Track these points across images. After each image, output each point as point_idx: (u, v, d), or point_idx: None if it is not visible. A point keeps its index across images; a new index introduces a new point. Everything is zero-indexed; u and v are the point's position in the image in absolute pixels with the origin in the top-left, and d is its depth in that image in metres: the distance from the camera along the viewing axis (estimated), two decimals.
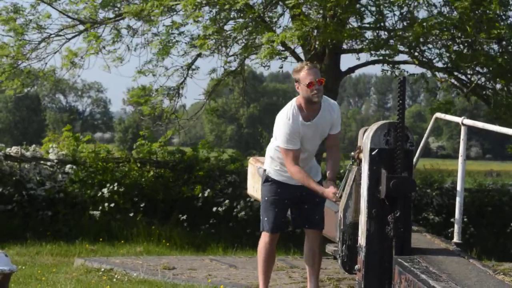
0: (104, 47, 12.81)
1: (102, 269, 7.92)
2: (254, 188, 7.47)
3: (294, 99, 5.83)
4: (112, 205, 11.88)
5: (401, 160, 4.85)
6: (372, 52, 11.95)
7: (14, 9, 12.89)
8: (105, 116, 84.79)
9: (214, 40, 11.80)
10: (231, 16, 11.83)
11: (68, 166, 12.18)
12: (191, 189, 12.24)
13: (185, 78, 13.35)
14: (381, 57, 12.02)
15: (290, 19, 12.09)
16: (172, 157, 12.62)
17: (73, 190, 12.05)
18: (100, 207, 11.87)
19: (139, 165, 12.42)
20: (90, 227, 11.62)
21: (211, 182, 12.44)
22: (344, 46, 12.58)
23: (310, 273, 5.97)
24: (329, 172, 5.85)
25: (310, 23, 10.87)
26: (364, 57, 12.75)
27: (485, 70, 12.42)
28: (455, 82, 13.04)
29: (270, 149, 5.97)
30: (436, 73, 12.70)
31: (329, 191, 5.57)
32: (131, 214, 11.86)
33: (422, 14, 12.66)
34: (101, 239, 11.22)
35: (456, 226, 5.33)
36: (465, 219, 13.24)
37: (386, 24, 12.11)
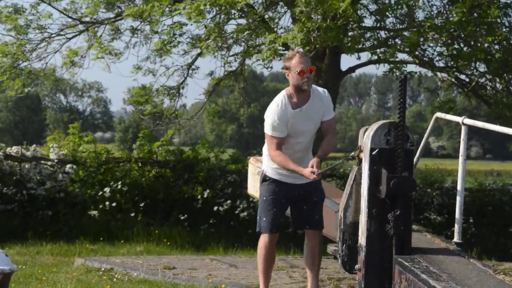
0: (110, 53, 12.82)
1: (103, 269, 7.92)
2: (255, 188, 7.47)
3: (284, 89, 5.82)
4: (114, 204, 11.88)
5: (401, 160, 4.85)
6: (372, 52, 11.97)
7: (14, 9, 12.90)
8: (105, 116, 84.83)
9: (215, 42, 11.81)
10: (232, 15, 11.84)
11: (69, 165, 12.18)
12: (192, 189, 12.23)
13: (185, 78, 13.36)
14: (380, 55, 12.01)
15: (290, 20, 12.10)
16: (172, 157, 12.62)
17: (73, 189, 12.05)
18: (101, 206, 11.87)
19: (139, 164, 12.42)
20: (90, 227, 11.62)
21: (211, 182, 12.43)
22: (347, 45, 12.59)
23: (310, 273, 5.96)
24: (319, 150, 5.75)
25: (311, 24, 10.88)
26: (365, 57, 12.74)
27: (485, 69, 12.42)
28: (456, 82, 13.04)
29: (266, 147, 5.95)
30: (437, 73, 12.71)
31: (307, 170, 5.52)
32: (132, 214, 11.86)
33: (421, 15, 12.68)
34: (101, 239, 11.22)
35: (456, 226, 5.32)
36: (471, 220, 13.25)
37: (387, 24, 12.12)
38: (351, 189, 5.26)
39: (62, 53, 13.27)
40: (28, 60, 13.28)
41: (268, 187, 5.86)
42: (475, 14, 11.33)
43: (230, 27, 12.07)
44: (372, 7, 12.33)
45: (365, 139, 5.01)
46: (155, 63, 12.81)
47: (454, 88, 13.67)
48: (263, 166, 5.95)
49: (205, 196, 12.23)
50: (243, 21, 12.00)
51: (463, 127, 5.38)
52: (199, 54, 12.77)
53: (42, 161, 12.22)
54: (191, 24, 11.85)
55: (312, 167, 5.51)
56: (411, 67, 12.90)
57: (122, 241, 11.25)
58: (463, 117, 5.44)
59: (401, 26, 12.17)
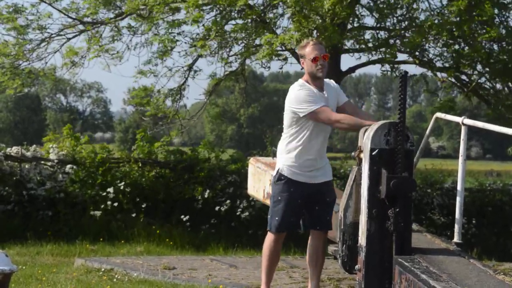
0: (107, 51, 12.83)
1: (103, 269, 7.92)
2: (255, 188, 7.47)
3: (300, 79, 5.84)
4: (116, 204, 11.88)
5: (401, 160, 4.85)
6: (373, 52, 11.97)
7: (15, 9, 12.90)
8: (105, 116, 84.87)
9: (214, 42, 11.81)
10: (232, 16, 11.84)
11: (69, 166, 12.18)
12: (192, 189, 12.23)
13: (186, 79, 13.36)
14: (380, 56, 12.02)
15: (289, 20, 12.10)
16: (172, 157, 12.62)
17: (73, 190, 12.05)
18: (103, 206, 11.87)
19: (139, 165, 12.42)
20: (90, 227, 11.62)
21: (211, 182, 12.43)
22: (347, 45, 12.60)
23: (312, 273, 5.95)
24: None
25: (308, 24, 10.88)
26: (365, 57, 12.74)
27: (485, 69, 12.43)
28: (456, 82, 13.05)
29: (281, 141, 5.89)
30: (437, 73, 12.71)
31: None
32: (133, 215, 11.86)
33: (422, 15, 12.72)
34: (101, 239, 11.22)
35: (456, 226, 5.32)
36: (472, 221, 13.24)
37: (387, 23, 12.12)
38: (351, 189, 5.26)
39: (62, 53, 13.29)
40: (28, 60, 13.28)
41: (283, 187, 5.79)
42: (473, 13, 11.33)
43: (230, 27, 12.07)
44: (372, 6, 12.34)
45: (365, 139, 5.01)
46: (157, 65, 12.82)
47: (455, 88, 13.68)
48: (279, 164, 5.87)
49: (205, 196, 12.23)
50: (242, 21, 12.00)
51: (463, 127, 5.37)
52: (200, 55, 12.78)
53: (42, 162, 12.22)
54: (190, 24, 11.83)
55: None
56: (411, 68, 12.92)
57: (122, 242, 11.25)
58: (463, 117, 5.44)
59: (401, 26, 12.17)
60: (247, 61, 13.23)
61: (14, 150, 12.21)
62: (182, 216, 12.03)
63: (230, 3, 11.16)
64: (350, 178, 5.33)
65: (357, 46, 12.42)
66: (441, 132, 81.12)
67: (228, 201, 12.24)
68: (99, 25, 13.00)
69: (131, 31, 12.85)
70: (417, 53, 12.37)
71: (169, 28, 12.00)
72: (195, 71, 13.26)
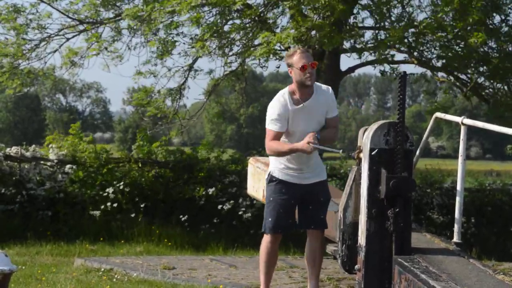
0: (106, 48, 12.83)
1: (102, 269, 7.92)
2: (254, 188, 7.47)
3: (287, 87, 5.83)
4: (115, 204, 11.88)
5: (401, 160, 4.85)
6: (370, 51, 11.98)
7: (14, 9, 12.90)
8: (105, 116, 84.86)
9: (213, 43, 11.82)
10: (230, 16, 11.84)
11: (68, 166, 12.18)
12: (192, 189, 12.23)
13: (186, 79, 13.36)
14: (373, 54, 12.02)
15: (289, 19, 12.11)
16: (172, 157, 12.62)
17: (73, 190, 12.05)
18: (103, 207, 11.87)
19: (139, 165, 12.42)
20: (90, 227, 11.62)
21: (211, 182, 12.43)
22: (346, 45, 12.61)
23: (310, 273, 5.96)
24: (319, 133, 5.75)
25: (305, 23, 10.89)
26: (363, 57, 12.74)
27: (482, 68, 12.45)
28: (455, 81, 13.06)
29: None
30: (436, 73, 12.73)
31: (303, 142, 5.54)
32: (132, 215, 11.86)
33: (420, 16, 12.84)
34: (101, 239, 11.22)
35: (456, 226, 5.33)
36: (472, 220, 13.25)
37: (386, 24, 12.13)
38: (350, 189, 5.26)
39: (62, 53, 13.29)
40: (28, 60, 13.28)
41: (275, 188, 5.82)
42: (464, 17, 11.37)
43: (229, 27, 12.07)
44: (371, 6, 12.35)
45: (365, 139, 5.01)
46: (156, 65, 12.82)
47: (454, 87, 13.69)
48: (270, 167, 5.91)
49: (205, 196, 12.23)
50: (240, 21, 12.01)
51: (462, 127, 5.37)
52: (200, 56, 12.77)
53: (42, 162, 12.22)
54: (188, 26, 11.85)
55: (310, 138, 5.51)
56: (410, 67, 12.94)
57: (121, 241, 11.25)
58: (462, 117, 5.44)
59: (399, 26, 12.17)
60: (247, 61, 13.24)
61: (13, 150, 12.21)
62: (181, 216, 12.03)
63: (226, 4, 11.16)
64: (350, 178, 5.33)
65: (356, 46, 12.43)
66: (441, 132, 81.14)
67: (228, 201, 12.24)
68: (98, 25, 13.00)
69: (131, 33, 12.85)
70: (415, 53, 12.38)
71: (167, 29, 12.00)
72: (195, 71, 13.26)
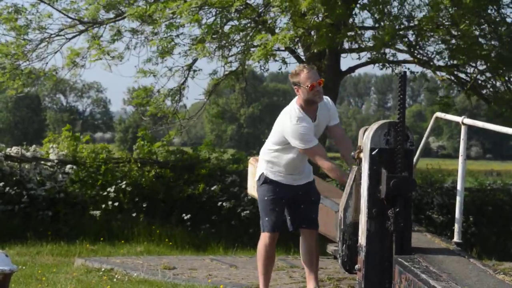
0: (108, 53, 12.82)
1: (103, 269, 7.92)
2: (255, 188, 7.47)
3: (294, 102, 5.85)
4: (116, 204, 11.88)
5: (401, 160, 4.85)
6: (371, 52, 11.98)
7: (15, 9, 12.90)
8: (105, 116, 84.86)
9: (213, 44, 11.82)
10: (230, 16, 11.84)
11: (68, 166, 12.18)
12: (192, 189, 12.23)
13: (186, 79, 13.35)
14: (371, 52, 12.00)
15: (288, 20, 12.10)
16: (173, 157, 12.62)
17: (73, 190, 12.05)
18: (103, 206, 11.87)
19: (139, 165, 12.42)
20: (90, 227, 11.63)
21: (211, 181, 12.44)
22: (346, 46, 12.60)
23: (309, 273, 5.98)
24: (347, 162, 5.88)
25: (304, 24, 10.89)
26: (364, 56, 12.74)
27: (484, 66, 12.45)
28: (455, 79, 13.05)
29: (265, 152, 6.00)
30: (437, 72, 12.71)
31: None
32: (134, 214, 11.86)
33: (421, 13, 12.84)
34: (101, 239, 11.22)
35: (456, 226, 5.33)
36: (471, 219, 13.25)
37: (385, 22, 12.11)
38: (351, 189, 5.25)
39: (63, 54, 13.29)
40: (28, 60, 13.28)
41: (269, 187, 5.93)
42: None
43: (228, 28, 12.07)
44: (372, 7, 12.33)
45: (365, 139, 5.01)
46: (157, 65, 12.82)
47: (454, 86, 13.69)
48: (262, 170, 5.98)
49: (205, 196, 12.23)
50: (239, 22, 12.00)
51: (463, 127, 5.37)
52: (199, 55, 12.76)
53: (42, 162, 12.22)
54: (188, 27, 11.86)
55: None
56: (411, 67, 12.92)
57: (122, 241, 11.25)
58: (463, 117, 5.44)
59: (400, 26, 12.17)
60: (247, 63, 13.24)
61: (14, 150, 12.21)
62: (182, 216, 12.03)
63: (225, 5, 11.16)
64: (350, 178, 5.32)
65: (356, 46, 12.42)
66: (441, 131, 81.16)
67: (228, 201, 12.25)
68: (98, 25, 12.99)
69: (133, 34, 12.84)
70: (416, 52, 12.37)
71: (167, 31, 12.00)
72: (195, 71, 13.25)
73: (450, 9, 11.41)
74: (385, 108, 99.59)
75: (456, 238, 5.29)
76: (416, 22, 12.02)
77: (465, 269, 4.50)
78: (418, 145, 5.95)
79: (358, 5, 12.16)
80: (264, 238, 5.95)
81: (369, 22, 13.91)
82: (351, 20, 12.17)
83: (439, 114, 6.08)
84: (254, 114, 74.81)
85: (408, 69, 12.85)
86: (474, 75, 12.69)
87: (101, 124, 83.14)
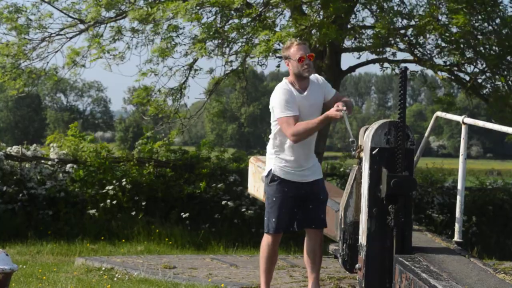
0: (108, 52, 12.83)
1: (103, 268, 7.92)
2: (255, 187, 7.48)
3: (284, 79, 5.85)
4: (115, 202, 11.88)
5: (401, 159, 4.85)
6: (371, 51, 11.99)
7: (15, 8, 12.91)
8: (106, 115, 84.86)
9: (212, 42, 11.83)
10: (230, 15, 11.85)
11: (69, 165, 12.18)
12: (193, 188, 12.24)
13: (186, 78, 13.36)
14: (372, 51, 12.00)
15: (289, 18, 12.11)
16: (174, 156, 12.63)
17: (73, 189, 12.05)
18: (102, 204, 11.87)
19: (140, 164, 12.42)
20: (90, 226, 11.63)
21: (212, 181, 12.44)
22: (347, 44, 12.61)
23: (310, 272, 5.95)
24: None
25: (305, 22, 10.89)
26: (365, 56, 12.77)
27: (483, 65, 12.46)
28: (453, 78, 13.06)
29: (270, 144, 5.93)
30: (437, 71, 12.71)
31: (332, 109, 5.50)
32: (133, 213, 11.87)
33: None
34: (102, 238, 11.22)
35: (456, 225, 5.32)
36: (473, 219, 13.24)
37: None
38: (351, 188, 5.26)
39: (63, 53, 13.30)
40: (29, 60, 13.28)
41: (277, 187, 5.81)
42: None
43: (229, 27, 12.07)
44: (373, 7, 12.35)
45: (365, 138, 5.01)
46: (157, 64, 12.82)
47: (454, 85, 13.70)
48: (270, 166, 5.87)
49: (206, 195, 12.24)
50: (239, 21, 12.01)
51: (463, 126, 5.37)
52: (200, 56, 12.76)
53: (43, 161, 12.22)
54: (188, 28, 11.87)
55: (339, 106, 5.48)
56: (411, 66, 12.92)
57: (122, 241, 11.25)
58: (463, 116, 5.44)
59: (400, 25, 12.18)
60: (247, 60, 13.24)
61: (14, 149, 12.21)
62: (183, 215, 12.04)
63: (224, 4, 11.17)
64: (351, 177, 5.33)
65: (357, 44, 12.43)
66: (442, 131, 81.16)
67: (229, 200, 12.25)
68: (99, 24, 13.00)
69: (134, 34, 12.84)
70: (416, 51, 12.38)
71: (167, 32, 12.00)
72: (196, 70, 13.26)
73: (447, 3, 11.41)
74: (385, 107, 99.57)
75: (456, 238, 5.29)
76: (416, 20, 12.01)
77: (466, 269, 4.50)
78: (419, 144, 5.95)
79: (359, 4, 12.18)
80: (267, 238, 5.90)
81: (370, 21, 13.90)
82: (352, 17, 12.19)
83: (439, 113, 6.08)
84: (255, 113, 74.82)
85: (407, 68, 12.85)
86: (474, 75, 12.69)
87: (101, 123, 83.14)
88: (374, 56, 12.53)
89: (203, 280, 7.20)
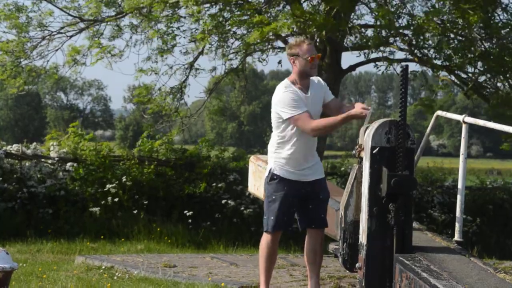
0: (109, 52, 12.83)
1: (103, 267, 7.92)
2: (255, 186, 7.47)
3: (286, 79, 5.86)
4: (116, 200, 11.88)
5: (402, 158, 4.84)
6: (372, 50, 11.98)
7: (16, 7, 12.91)
8: (106, 114, 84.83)
9: (214, 36, 11.84)
10: (231, 9, 11.86)
11: (69, 164, 12.18)
12: (193, 187, 12.24)
13: (187, 77, 13.36)
14: (373, 50, 12.01)
15: (286, 8, 12.12)
16: (174, 155, 12.63)
17: (73, 188, 12.05)
18: (103, 202, 11.87)
19: (140, 162, 12.42)
20: (91, 225, 11.63)
21: (212, 179, 12.44)
22: (347, 43, 12.60)
23: (311, 271, 5.95)
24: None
25: (303, 14, 10.89)
26: (365, 55, 12.74)
27: (483, 67, 12.46)
28: (456, 80, 13.05)
29: (271, 143, 5.92)
30: (438, 71, 12.71)
31: (357, 105, 5.56)
32: (134, 212, 11.87)
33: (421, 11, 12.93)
34: (102, 237, 11.22)
35: (457, 225, 5.32)
36: (473, 219, 13.24)
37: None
38: (352, 187, 5.25)
39: (64, 51, 13.30)
40: (29, 58, 13.28)
41: (277, 186, 5.81)
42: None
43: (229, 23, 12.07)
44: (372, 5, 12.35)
45: (366, 137, 5.00)
46: (157, 62, 12.83)
47: (454, 86, 13.70)
48: (270, 164, 5.89)
49: (206, 194, 12.24)
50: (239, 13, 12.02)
51: (463, 126, 5.37)
52: (201, 53, 12.77)
53: (43, 159, 12.22)
54: (190, 22, 11.85)
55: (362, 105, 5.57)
56: (411, 66, 12.92)
57: (122, 239, 11.26)
58: (463, 115, 5.43)
59: (400, 24, 12.18)
60: (248, 59, 13.26)
61: (14, 148, 12.21)
62: (183, 214, 12.04)
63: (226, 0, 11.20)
64: (351, 176, 5.32)
65: (358, 43, 12.43)
66: (442, 130, 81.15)
67: (229, 199, 12.25)
68: (99, 23, 13.00)
69: (132, 29, 12.84)
70: (416, 51, 12.38)
71: (168, 22, 12.00)
72: (197, 69, 13.27)
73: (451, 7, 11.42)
74: (385, 106, 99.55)
75: (457, 237, 5.28)
76: (416, 21, 12.01)
77: (466, 268, 4.50)
78: (419, 143, 5.94)
79: (360, 3, 12.19)
80: (266, 236, 5.90)
81: (368, 19, 13.91)
82: (352, 16, 12.19)
83: (440, 112, 6.07)
84: (255, 112, 74.83)
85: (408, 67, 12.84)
86: (475, 76, 12.69)
87: (101, 121, 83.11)
88: (374, 55, 12.54)
89: (203, 279, 7.20)
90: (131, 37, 13.08)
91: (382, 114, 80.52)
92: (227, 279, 7.26)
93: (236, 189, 12.41)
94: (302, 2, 11.70)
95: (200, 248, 11.19)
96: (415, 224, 5.46)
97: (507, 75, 12.35)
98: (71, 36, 13.27)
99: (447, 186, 13.75)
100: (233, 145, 61.25)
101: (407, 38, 12.14)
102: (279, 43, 12.73)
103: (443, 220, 13.15)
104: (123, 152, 13.00)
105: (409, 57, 12.73)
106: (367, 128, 5.14)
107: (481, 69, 12.56)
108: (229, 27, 11.83)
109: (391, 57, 12.51)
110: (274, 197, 5.81)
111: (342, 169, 13.41)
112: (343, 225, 5.25)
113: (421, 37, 11.96)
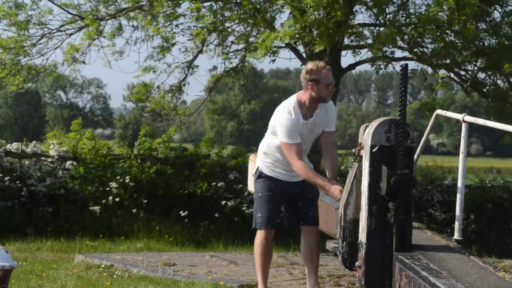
0: (104, 36, 12.83)
1: (103, 265, 7.92)
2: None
3: (294, 96, 5.81)
4: (117, 199, 11.89)
5: (401, 157, 4.84)
6: (369, 50, 11.98)
7: (15, 4, 12.90)
8: (105, 112, 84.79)
9: (213, 33, 11.85)
10: (230, 7, 11.87)
11: (69, 162, 12.18)
12: (193, 185, 12.24)
13: (186, 75, 13.36)
14: (370, 50, 12.00)
15: (289, 15, 12.11)
16: (173, 154, 12.63)
17: (73, 186, 12.05)
18: (104, 201, 11.87)
19: (139, 161, 12.43)
20: (90, 224, 11.63)
21: (211, 178, 12.44)
22: (346, 42, 12.60)
23: (309, 270, 5.97)
24: (329, 171, 5.82)
25: (304, 21, 10.89)
26: (365, 54, 12.75)
27: (482, 64, 12.46)
28: (455, 78, 13.05)
29: (264, 144, 5.96)
30: (437, 69, 12.70)
31: (336, 187, 5.55)
32: (134, 210, 11.87)
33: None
34: (101, 235, 11.22)
35: (456, 223, 5.33)
36: (473, 217, 13.25)
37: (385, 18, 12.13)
38: (351, 186, 5.25)
39: (63, 50, 13.29)
40: (29, 56, 13.28)
41: (264, 184, 5.88)
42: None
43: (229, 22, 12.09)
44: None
45: (365, 136, 5.00)
46: (159, 60, 12.83)
47: (454, 83, 13.70)
48: (258, 163, 5.96)
49: (206, 193, 12.24)
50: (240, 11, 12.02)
51: (463, 124, 5.37)
52: (200, 51, 12.78)
53: (42, 158, 12.22)
54: (191, 20, 11.85)
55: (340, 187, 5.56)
56: (411, 64, 12.92)
57: (122, 238, 11.26)
58: (463, 114, 5.44)
59: (399, 22, 12.17)
60: (247, 58, 13.24)
61: (14, 146, 12.21)
62: (182, 213, 12.04)
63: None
64: (351, 175, 5.32)
65: (356, 43, 12.43)
66: (441, 129, 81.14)
67: (229, 198, 12.25)
68: (99, 21, 12.99)
69: (131, 20, 12.82)
70: (416, 50, 12.38)
71: (167, 19, 12.00)
72: (193, 68, 13.26)
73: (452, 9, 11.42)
74: (385, 105, 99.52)
75: (456, 236, 5.29)
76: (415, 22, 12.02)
77: (466, 267, 4.50)
78: (419, 142, 5.95)
79: (359, 3, 12.17)
80: (259, 234, 5.94)
81: (363, 17, 13.91)
82: (351, 17, 12.18)
83: (439, 111, 6.08)
84: (255, 110, 74.80)
85: (408, 65, 12.83)
86: (474, 73, 12.69)
87: (101, 120, 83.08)
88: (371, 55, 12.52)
89: (202, 277, 7.20)
90: (131, 36, 13.07)
91: (382, 113, 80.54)
92: (227, 277, 7.27)
93: (235, 188, 12.41)
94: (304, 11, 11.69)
95: (199, 247, 11.19)
96: (414, 223, 5.46)
97: (506, 72, 12.36)
98: (70, 34, 13.27)
99: (447, 184, 13.75)
100: (233, 143, 61.22)
101: (406, 37, 12.13)
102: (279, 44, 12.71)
103: (443, 219, 13.15)
104: (123, 151, 13.00)
105: (408, 55, 12.73)
106: (366, 126, 5.15)
107: (479, 65, 12.57)
108: (229, 24, 11.84)
109: (391, 56, 12.50)
110: (260, 194, 5.89)
111: (342, 167, 13.40)
112: (342, 224, 5.25)
113: (421, 32, 11.97)
